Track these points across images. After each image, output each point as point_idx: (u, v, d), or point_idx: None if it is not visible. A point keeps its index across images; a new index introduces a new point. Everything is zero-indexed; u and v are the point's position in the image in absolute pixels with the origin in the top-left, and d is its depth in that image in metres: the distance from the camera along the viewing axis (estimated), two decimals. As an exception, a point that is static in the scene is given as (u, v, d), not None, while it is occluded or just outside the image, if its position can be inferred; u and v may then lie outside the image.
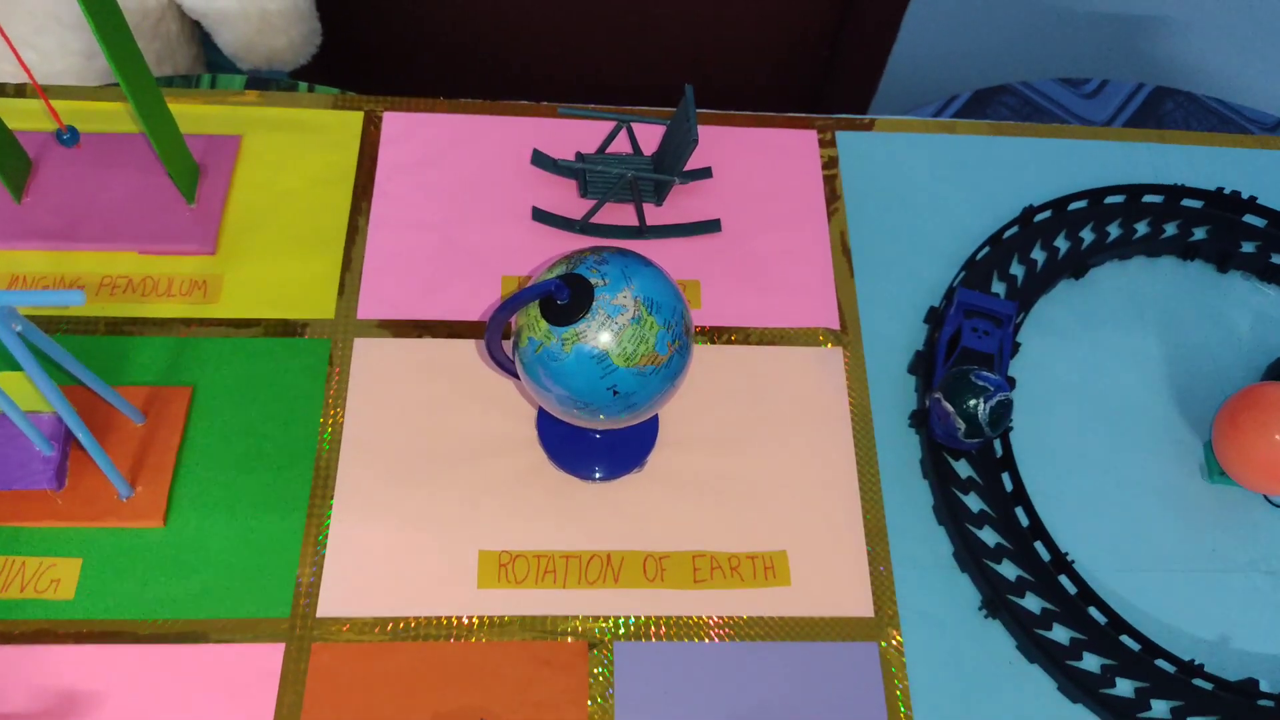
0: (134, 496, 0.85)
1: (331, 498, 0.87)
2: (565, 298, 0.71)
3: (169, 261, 0.97)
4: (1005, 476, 0.91)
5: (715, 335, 0.97)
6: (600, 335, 0.71)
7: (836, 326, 0.98)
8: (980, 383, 0.85)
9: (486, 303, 0.97)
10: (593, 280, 0.72)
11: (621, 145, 1.05)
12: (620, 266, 0.73)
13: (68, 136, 0.98)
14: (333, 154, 1.04)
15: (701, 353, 0.96)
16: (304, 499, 0.87)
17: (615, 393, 0.72)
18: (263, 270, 0.97)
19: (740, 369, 0.95)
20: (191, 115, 1.05)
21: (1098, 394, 0.97)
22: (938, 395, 0.87)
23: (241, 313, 0.95)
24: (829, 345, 0.97)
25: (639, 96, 1.18)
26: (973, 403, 0.84)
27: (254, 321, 0.94)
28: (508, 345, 0.86)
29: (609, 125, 1.06)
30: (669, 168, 0.96)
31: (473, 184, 1.03)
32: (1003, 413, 0.85)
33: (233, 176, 1.02)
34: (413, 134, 1.06)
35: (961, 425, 0.85)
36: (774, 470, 0.91)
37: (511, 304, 0.72)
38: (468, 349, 0.94)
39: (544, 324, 0.72)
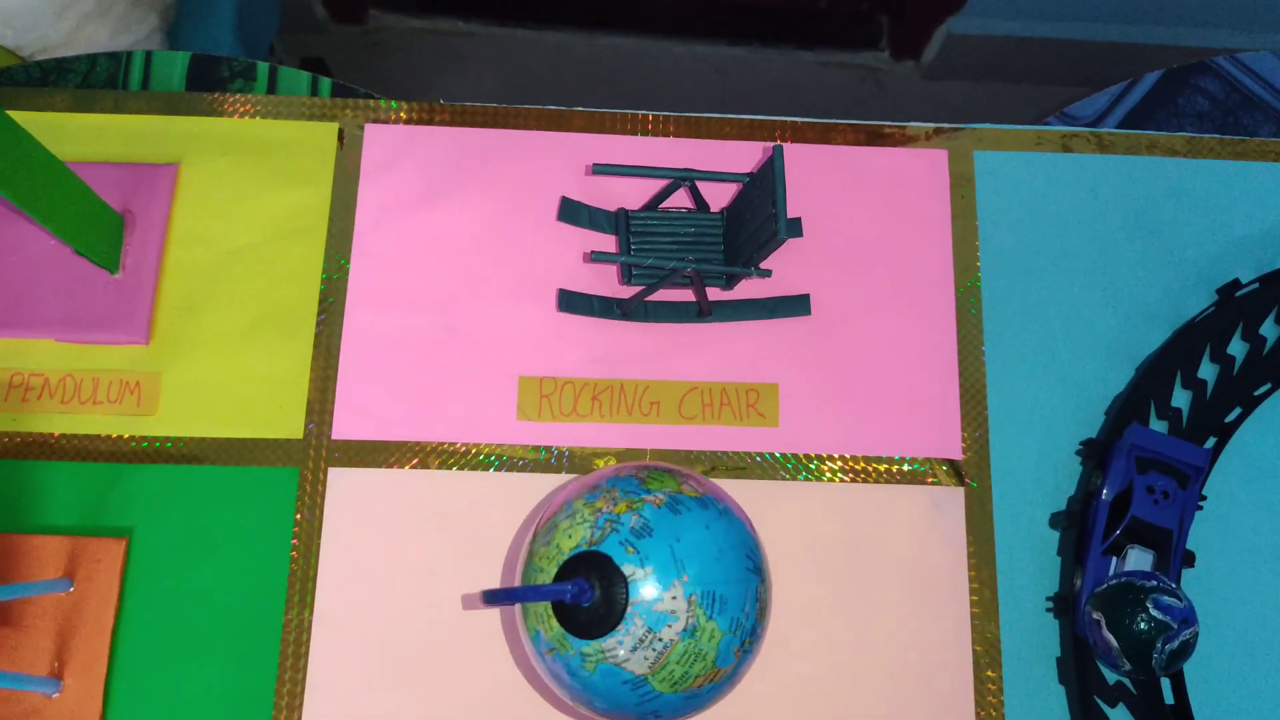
0: (62, 693, 0.69)
1: (302, 690, 0.69)
2: (589, 600, 0.49)
3: (93, 353, 0.75)
4: (1166, 684, 0.70)
5: (794, 464, 0.74)
6: (637, 656, 0.49)
7: (958, 456, 0.74)
8: (1160, 614, 0.62)
9: (501, 414, 0.74)
10: (627, 570, 0.49)
11: (682, 195, 0.77)
12: (669, 541, 0.50)
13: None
14: (299, 188, 0.79)
15: (772, 488, 0.73)
16: (269, 693, 0.69)
17: (657, 716, 0.51)
18: (210, 367, 0.75)
19: (825, 513, 0.73)
20: (112, 130, 0.79)
21: (1302, 562, 0.73)
22: (1096, 617, 0.64)
23: (184, 429, 0.74)
24: (947, 483, 0.74)
25: None
26: (1145, 638, 0.62)
27: (200, 443, 0.73)
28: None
29: (661, 143, 0.78)
30: (745, 256, 0.70)
31: (482, 238, 0.78)
32: (1184, 652, 0.62)
33: (168, 227, 0.77)
34: (403, 156, 0.79)
35: (1126, 664, 0.63)
36: (863, 658, 0.70)
37: (511, 597, 0.50)
38: (475, 486, 0.73)
39: (556, 627, 0.50)
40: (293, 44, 1.84)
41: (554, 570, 0.51)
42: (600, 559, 0.50)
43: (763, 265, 0.69)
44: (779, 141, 0.79)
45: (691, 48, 1.93)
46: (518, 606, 0.54)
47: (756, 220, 0.68)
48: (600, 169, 0.72)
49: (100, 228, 0.73)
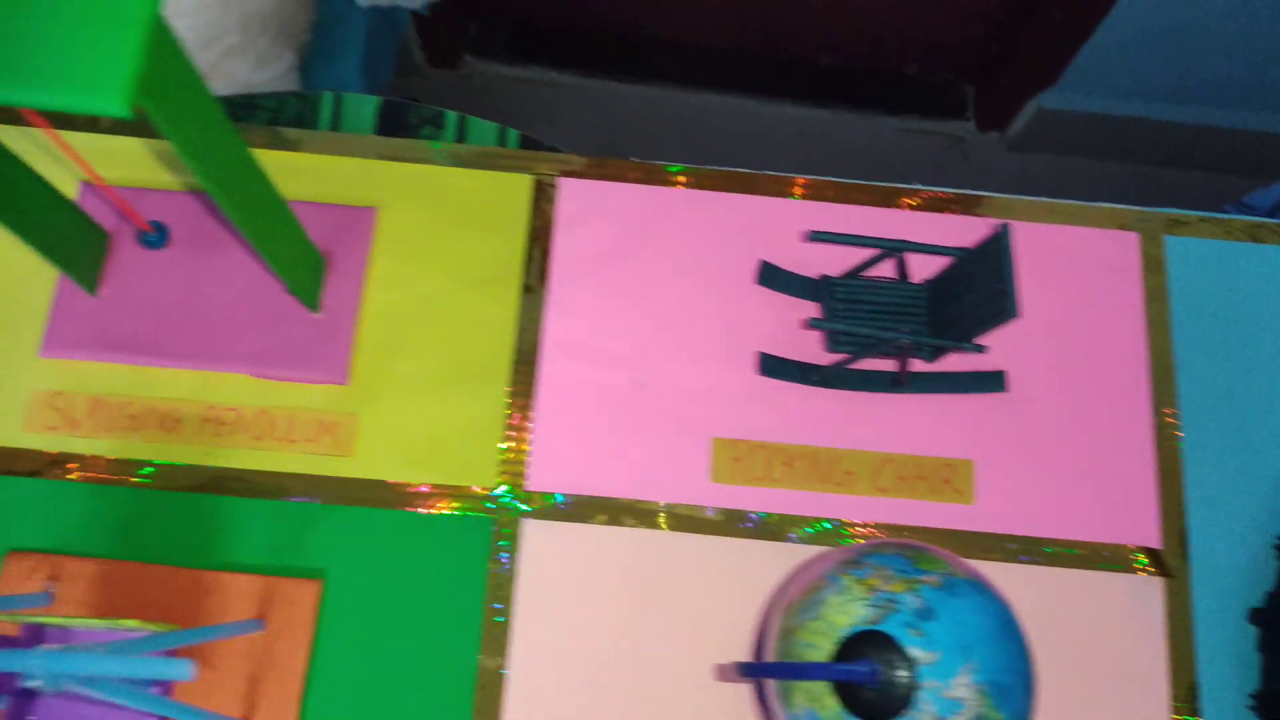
0: (250, 739, 0.68)
1: (493, 748, 0.68)
2: (876, 683, 0.48)
3: (289, 390, 0.75)
4: (1376, 793, 0.68)
5: (988, 545, 0.73)
6: (923, 744, 0.48)
7: (1157, 544, 0.73)
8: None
9: (694, 475, 0.74)
10: (913, 651, 0.49)
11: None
12: (953, 625, 0.49)
13: (155, 237, 0.74)
14: (493, 237, 0.79)
15: (970, 566, 0.72)
16: (459, 746, 0.68)
17: (931, 807, 0.50)
18: (406, 411, 0.75)
19: (1021, 596, 0.72)
20: (308, 170, 0.80)
21: None
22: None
23: (380, 472, 0.73)
24: (1145, 572, 0.73)
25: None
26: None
27: (397, 487, 0.73)
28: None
29: (857, 208, 0.79)
30: (957, 330, 0.69)
31: (675, 295, 0.78)
32: None
33: (366, 270, 0.78)
34: (595, 212, 0.80)
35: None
36: (1059, 746, 0.69)
37: (791, 672, 0.49)
38: (667, 546, 0.72)
39: (834, 706, 0.49)
40: (391, 85, 1.86)
41: (829, 647, 0.50)
42: (884, 639, 0.49)
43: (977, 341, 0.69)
44: (995, 220, 0.80)
45: (778, 107, 1.95)
46: (769, 681, 0.53)
47: (976, 295, 0.68)
48: (816, 236, 0.72)
49: (307, 266, 0.73)
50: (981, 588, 0.52)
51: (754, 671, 0.50)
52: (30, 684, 0.50)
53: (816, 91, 1.94)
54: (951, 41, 1.82)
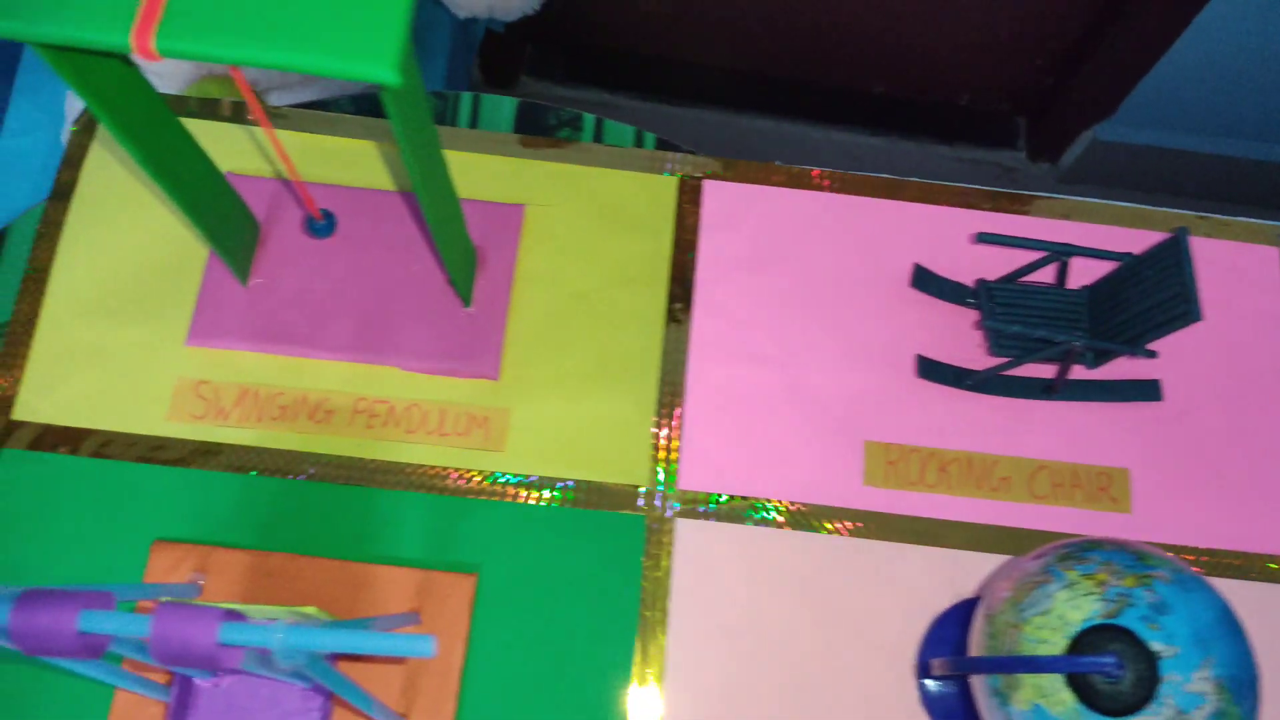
0: (409, 733, 0.66)
1: (653, 750, 0.67)
2: (1117, 677, 0.48)
3: (440, 384, 0.74)
4: None
5: (1146, 553, 0.72)
6: (1167, 739, 0.47)
7: (1313, 556, 0.73)
8: None
9: (846, 478, 0.73)
10: (1154, 646, 0.48)
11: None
12: (1190, 619, 0.49)
13: (323, 225, 0.74)
14: (639, 237, 0.79)
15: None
16: (618, 750, 0.67)
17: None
18: (555, 407, 0.74)
19: (1179, 606, 0.71)
20: (454, 166, 0.80)
21: None
22: None
23: (532, 467, 0.73)
24: (1305, 584, 0.72)
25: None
26: None
27: (549, 483, 0.72)
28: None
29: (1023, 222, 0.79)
30: (1124, 335, 0.69)
31: (823, 299, 0.78)
32: None
33: (515, 267, 0.77)
34: (742, 213, 0.80)
35: None
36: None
37: (1032, 665, 0.48)
38: (821, 547, 0.72)
39: (1069, 700, 0.49)
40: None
41: (1062, 642, 0.49)
42: (1123, 633, 0.48)
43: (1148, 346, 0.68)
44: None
45: (829, 133, 1.96)
46: (980, 680, 0.53)
47: (1150, 300, 0.68)
48: (985, 238, 0.72)
49: (466, 259, 0.73)
50: (1206, 584, 0.51)
51: (980, 666, 0.49)
52: (249, 665, 0.49)
53: (868, 118, 1.96)
54: (1006, 74, 1.84)
